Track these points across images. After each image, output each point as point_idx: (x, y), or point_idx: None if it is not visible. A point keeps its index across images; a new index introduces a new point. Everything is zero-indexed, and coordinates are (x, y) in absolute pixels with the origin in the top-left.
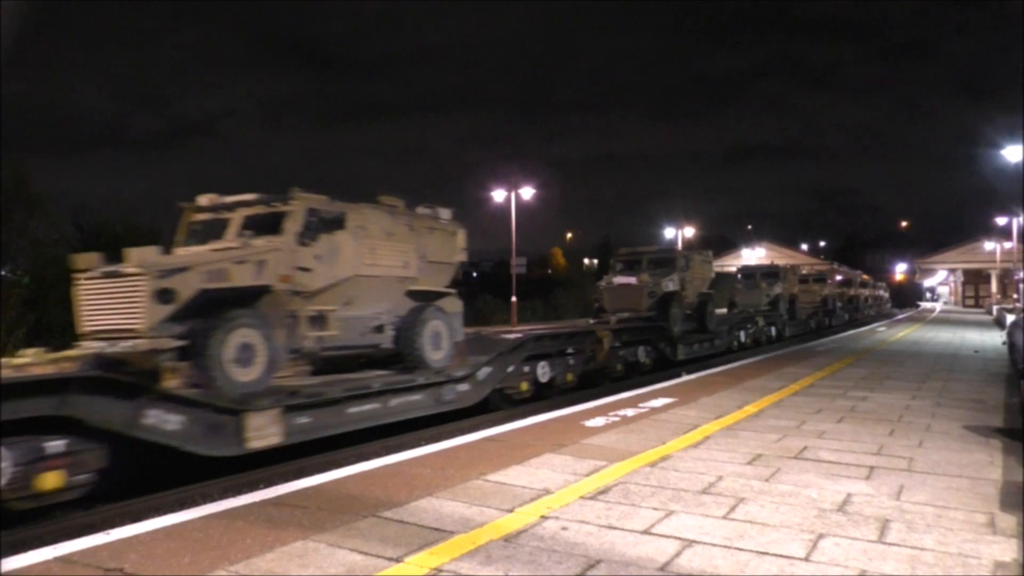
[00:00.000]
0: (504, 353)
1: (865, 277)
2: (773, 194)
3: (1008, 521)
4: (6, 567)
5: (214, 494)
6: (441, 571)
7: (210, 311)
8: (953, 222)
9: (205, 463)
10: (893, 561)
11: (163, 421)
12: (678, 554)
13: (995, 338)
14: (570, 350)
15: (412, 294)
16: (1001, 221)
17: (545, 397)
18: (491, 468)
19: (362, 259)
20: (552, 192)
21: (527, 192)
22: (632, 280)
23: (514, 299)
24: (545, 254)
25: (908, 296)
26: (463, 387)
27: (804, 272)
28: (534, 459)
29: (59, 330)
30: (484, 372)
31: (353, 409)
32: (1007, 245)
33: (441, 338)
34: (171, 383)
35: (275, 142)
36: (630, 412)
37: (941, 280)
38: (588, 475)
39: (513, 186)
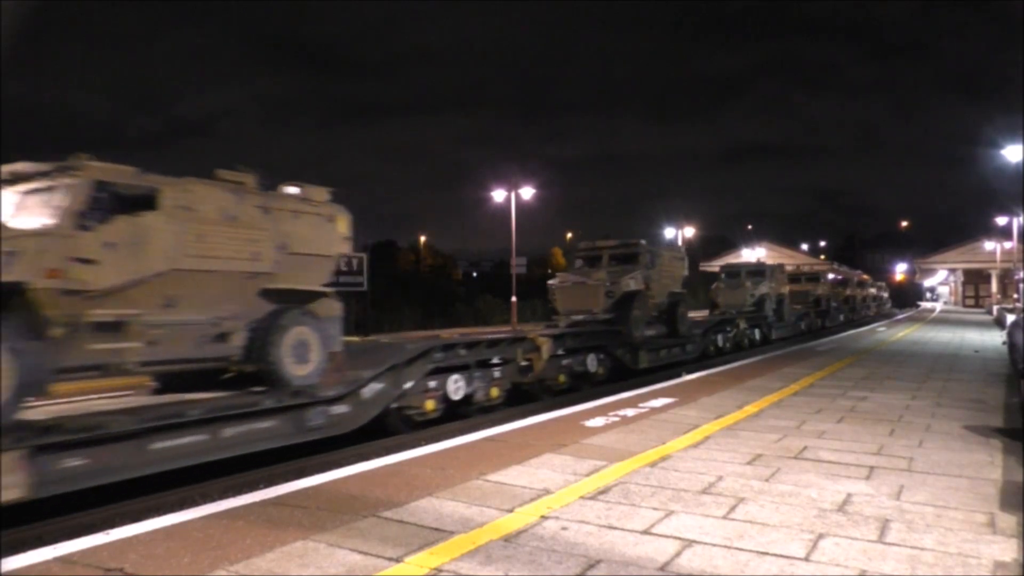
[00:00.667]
0: (399, 365)
1: (865, 277)
2: (772, 194)
3: (1008, 521)
4: (6, 567)
5: (214, 494)
6: (441, 571)
7: None
8: (953, 222)
9: (206, 463)
10: (893, 561)
11: None
12: (678, 554)
13: (995, 338)
14: (495, 360)
15: (269, 294)
16: (1001, 221)
17: (463, 416)
18: (491, 468)
19: (185, 249)
20: (552, 192)
21: (527, 192)
22: (585, 278)
23: (514, 299)
24: (545, 254)
25: (908, 296)
26: (340, 408)
27: (796, 271)
28: (534, 459)
29: None
30: (372, 389)
31: (162, 444)
32: (1007, 245)
33: (308, 348)
34: None
35: (274, 142)
36: (630, 412)
37: (941, 280)
38: (588, 475)
39: (513, 186)
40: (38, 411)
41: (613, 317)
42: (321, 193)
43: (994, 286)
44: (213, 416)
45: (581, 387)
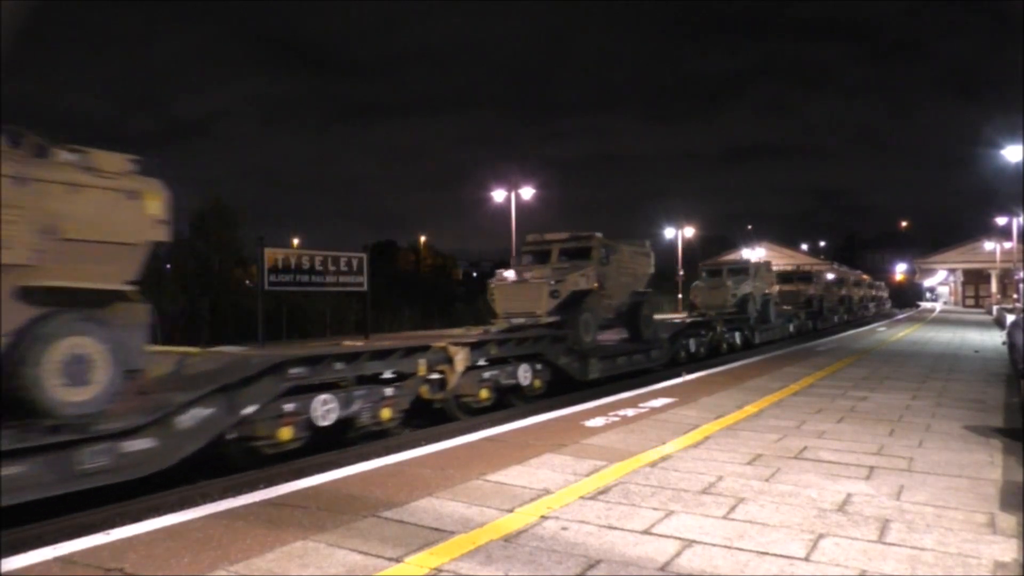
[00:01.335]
0: (233, 385)
1: (864, 277)
2: (772, 194)
3: (1008, 521)
4: (6, 567)
5: (214, 494)
6: (441, 571)
7: None
8: (953, 222)
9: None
10: (893, 561)
11: None
12: (678, 554)
13: (995, 338)
14: (388, 374)
15: (28, 294)
16: (1001, 221)
17: (345, 444)
18: (491, 468)
19: None
20: (552, 192)
21: (527, 192)
22: (526, 276)
23: None
24: None
25: (908, 296)
26: (138, 444)
27: (788, 270)
28: (534, 459)
29: None
30: (195, 416)
31: None
32: (1007, 245)
33: (89, 366)
34: None
35: (272, 143)
36: (630, 412)
37: (941, 280)
38: (588, 475)
39: (513, 186)
40: None
41: (559, 320)
42: (116, 161)
43: (994, 286)
44: None
45: (513, 403)
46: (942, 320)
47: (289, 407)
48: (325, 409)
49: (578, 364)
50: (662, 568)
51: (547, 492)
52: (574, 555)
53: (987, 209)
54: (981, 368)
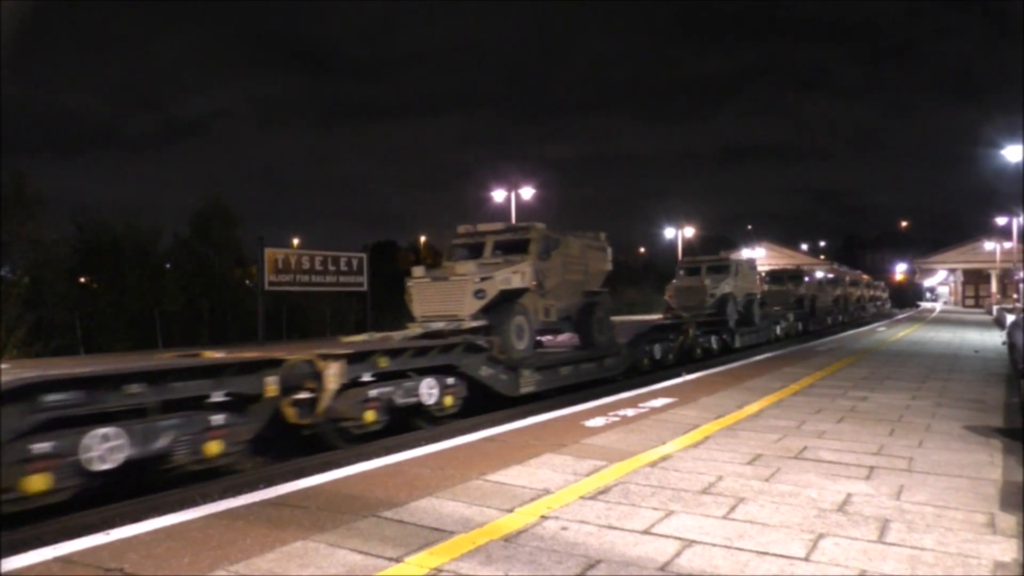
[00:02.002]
0: None
1: (865, 277)
2: (771, 194)
3: (1008, 521)
4: (6, 567)
5: (214, 494)
6: (441, 571)
7: None
8: (953, 222)
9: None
10: (893, 561)
11: None
12: (678, 554)
13: (995, 338)
14: (219, 396)
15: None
16: (1001, 221)
17: (139, 493)
18: (491, 468)
19: None
20: (552, 192)
21: (527, 192)
22: (447, 273)
23: None
24: None
25: (908, 296)
26: None
27: (778, 269)
28: (534, 459)
29: (58, 330)
30: None
31: None
32: (1007, 245)
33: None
34: None
35: (271, 143)
36: (630, 412)
37: (941, 280)
38: (588, 475)
39: (513, 186)
40: None
41: (486, 325)
42: None
43: (994, 286)
44: None
45: (420, 425)
46: (942, 320)
47: (41, 447)
48: (106, 448)
49: (506, 376)
50: (662, 568)
51: (547, 492)
52: (574, 555)
53: (987, 209)
54: (981, 368)
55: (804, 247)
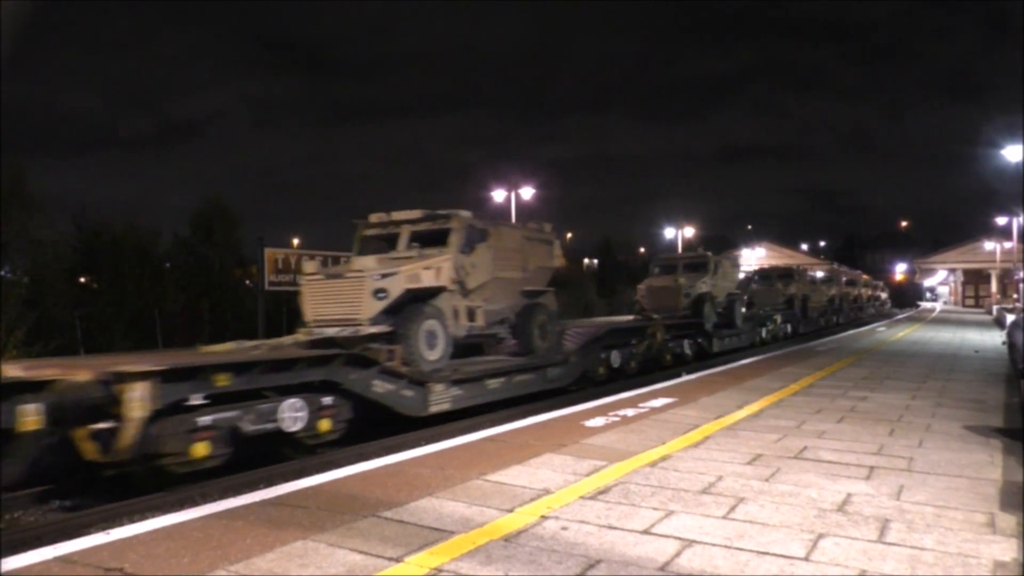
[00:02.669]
0: None
1: (864, 277)
2: (770, 195)
3: (1008, 521)
4: (6, 567)
5: (214, 494)
6: (441, 571)
7: None
8: (953, 222)
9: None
10: (893, 561)
11: None
12: (678, 554)
13: (995, 338)
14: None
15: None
16: (1001, 221)
17: None
18: (491, 468)
19: None
20: (552, 192)
21: (526, 192)
22: (343, 271)
23: None
24: None
25: (908, 296)
26: None
27: (766, 266)
28: (534, 459)
29: (58, 330)
30: None
31: None
32: (1007, 245)
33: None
34: None
35: (268, 144)
36: (630, 412)
37: (941, 280)
38: (588, 475)
39: (513, 186)
40: None
41: (390, 331)
42: None
43: (994, 286)
44: None
45: (287, 455)
46: (942, 320)
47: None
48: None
49: (412, 393)
50: (662, 568)
51: (547, 492)
52: (574, 555)
53: (987, 209)
54: (981, 368)
55: (804, 247)
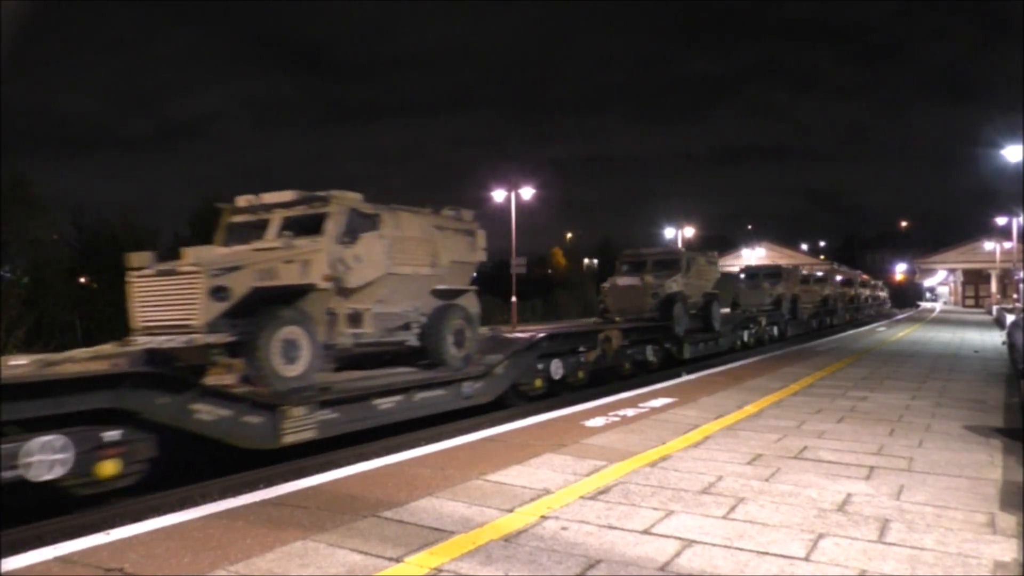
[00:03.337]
0: None
1: (864, 277)
2: (770, 195)
3: (1008, 521)
4: (6, 567)
5: (214, 494)
6: (441, 571)
7: None
8: (953, 222)
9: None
10: (893, 561)
11: None
12: (678, 554)
13: (995, 338)
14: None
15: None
16: (1001, 221)
17: None
18: (491, 468)
19: None
20: (551, 192)
21: (526, 192)
22: (175, 265)
23: (514, 299)
24: (544, 254)
25: (908, 296)
26: None
27: (752, 265)
28: (534, 459)
29: (58, 330)
30: None
31: None
32: (1007, 245)
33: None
34: None
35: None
36: (630, 412)
37: (941, 280)
38: (588, 475)
39: (512, 186)
40: None
41: (238, 339)
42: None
43: (994, 286)
44: None
45: (78, 492)
46: (942, 320)
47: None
48: None
49: (257, 420)
50: (662, 568)
51: (547, 492)
52: (574, 555)
53: (987, 209)
54: (981, 368)
55: (804, 247)
